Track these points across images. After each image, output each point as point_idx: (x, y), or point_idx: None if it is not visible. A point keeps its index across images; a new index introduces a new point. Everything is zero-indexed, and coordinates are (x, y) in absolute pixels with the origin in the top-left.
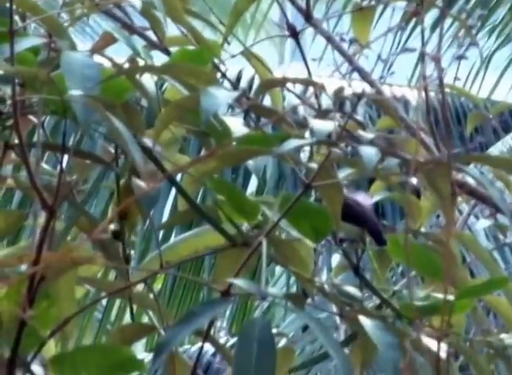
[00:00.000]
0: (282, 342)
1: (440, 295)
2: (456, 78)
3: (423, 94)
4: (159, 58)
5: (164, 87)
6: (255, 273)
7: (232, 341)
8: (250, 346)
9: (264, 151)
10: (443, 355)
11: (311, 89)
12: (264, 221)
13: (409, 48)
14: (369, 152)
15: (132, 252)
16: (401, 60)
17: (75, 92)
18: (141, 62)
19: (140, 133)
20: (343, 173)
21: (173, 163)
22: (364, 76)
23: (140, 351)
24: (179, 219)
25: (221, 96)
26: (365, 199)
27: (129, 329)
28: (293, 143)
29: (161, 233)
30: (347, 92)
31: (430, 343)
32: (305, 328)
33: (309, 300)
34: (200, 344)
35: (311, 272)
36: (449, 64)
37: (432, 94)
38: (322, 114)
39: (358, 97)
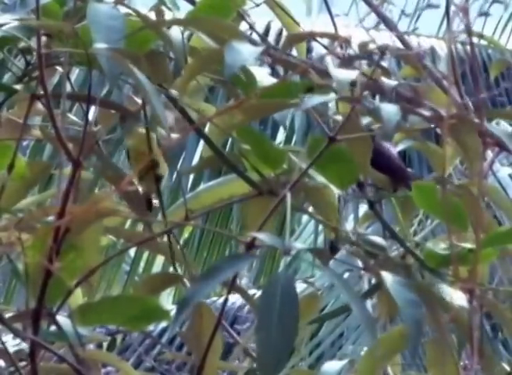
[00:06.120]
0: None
1: (463, 244)
2: (482, 31)
3: (451, 45)
4: (183, 7)
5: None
6: (284, 220)
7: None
8: (273, 301)
9: (290, 105)
10: (465, 304)
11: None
12: (290, 169)
13: (432, 4)
14: (389, 111)
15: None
16: (427, 15)
17: (100, 44)
18: (166, 12)
19: (168, 83)
20: (365, 121)
21: (199, 112)
22: (392, 29)
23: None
24: (203, 166)
25: (245, 51)
26: (390, 149)
27: (155, 279)
28: (317, 98)
29: (188, 186)
30: (372, 46)
31: (453, 293)
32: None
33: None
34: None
35: (337, 219)
36: (475, 19)
37: (458, 46)
38: (347, 62)
39: (383, 50)
